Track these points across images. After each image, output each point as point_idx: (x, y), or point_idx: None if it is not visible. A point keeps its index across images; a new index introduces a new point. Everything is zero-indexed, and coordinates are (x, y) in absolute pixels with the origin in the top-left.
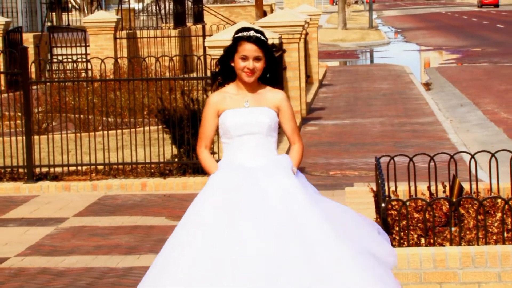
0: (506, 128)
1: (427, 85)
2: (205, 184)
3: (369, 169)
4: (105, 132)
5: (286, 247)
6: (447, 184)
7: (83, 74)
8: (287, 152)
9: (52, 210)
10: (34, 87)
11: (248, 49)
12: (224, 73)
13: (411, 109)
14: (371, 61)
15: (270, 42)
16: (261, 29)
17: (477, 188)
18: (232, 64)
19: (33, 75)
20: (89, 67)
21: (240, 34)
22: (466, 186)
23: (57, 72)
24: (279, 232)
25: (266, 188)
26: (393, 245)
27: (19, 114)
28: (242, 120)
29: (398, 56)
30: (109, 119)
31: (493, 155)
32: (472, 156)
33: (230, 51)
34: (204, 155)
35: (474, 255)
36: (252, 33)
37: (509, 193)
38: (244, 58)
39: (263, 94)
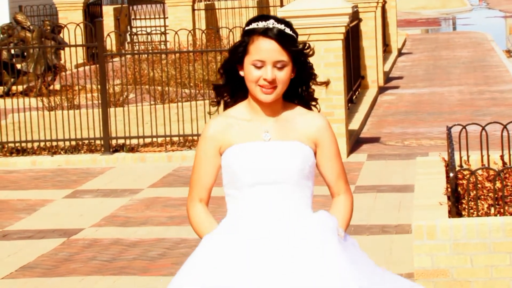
0: None
1: (509, 52)
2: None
3: (445, 138)
4: (180, 104)
5: None
6: None
7: (162, 46)
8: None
9: (127, 181)
10: (114, 59)
11: (266, 49)
12: (232, 86)
13: (491, 77)
14: (453, 28)
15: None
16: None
17: None
18: (241, 73)
19: (114, 48)
20: (168, 39)
21: (253, 26)
22: None
23: (136, 44)
24: None
25: (294, 269)
26: (462, 215)
27: (97, 86)
28: (258, 161)
29: (480, 23)
30: (185, 91)
31: None
32: None
33: (238, 52)
34: (195, 211)
35: None
36: (272, 23)
37: None
38: (259, 65)
39: (291, 119)
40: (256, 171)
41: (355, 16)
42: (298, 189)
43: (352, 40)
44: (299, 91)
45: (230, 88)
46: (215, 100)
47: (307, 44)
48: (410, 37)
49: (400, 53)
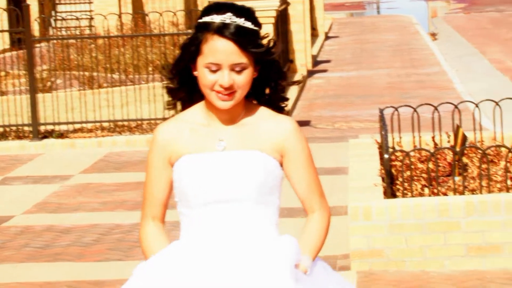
0: None
1: (434, 35)
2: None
3: (375, 120)
4: (110, 89)
5: None
6: (451, 134)
7: (88, 31)
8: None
9: (57, 167)
10: (38, 44)
11: (221, 50)
12: (188, 87)
13: (417, 60)
14: (378, 12)
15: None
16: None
17: (481, 137)
18: (195, 73)
19: (38, 33)
20: (93, 23)
21: (206, 19)
22: (471, 135)
23: (61, 29)
24: None
25: None
26: (397, 196)
27: (24, 72)
28: (210, 176)
29: (405, 6)
30: (114, 76)
31: (497, 103)
32: (476, 105)
33: (190, 52)
34: (145, 232)
35: (477, 204)
36: (229, 16)
37: None
38: (214, 69)
39: (254, 125)
40: (207, 187)
41: (283, 0)
42: (260, 207)
43: (280, 24)
44: (265, 91)
45: (187, 90)
46: (170, 103)
47: (272, 41)
48: (336, 21)
49: (327, 37)
